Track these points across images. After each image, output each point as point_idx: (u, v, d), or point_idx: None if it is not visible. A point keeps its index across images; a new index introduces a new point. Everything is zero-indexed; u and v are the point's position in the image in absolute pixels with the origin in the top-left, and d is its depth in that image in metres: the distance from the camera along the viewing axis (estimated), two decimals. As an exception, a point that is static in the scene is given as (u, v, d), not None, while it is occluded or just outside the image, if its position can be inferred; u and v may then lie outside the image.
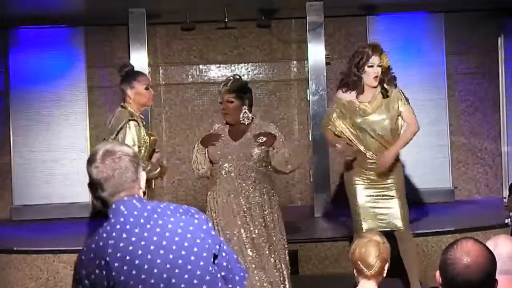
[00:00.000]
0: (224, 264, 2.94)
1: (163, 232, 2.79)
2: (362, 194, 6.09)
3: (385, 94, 6.00)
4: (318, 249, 7.45)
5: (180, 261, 2.77)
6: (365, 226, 5.99)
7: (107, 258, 2.71)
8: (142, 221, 2.79)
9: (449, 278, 2.72)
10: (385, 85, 6.00)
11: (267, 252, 5.66)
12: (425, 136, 8.98)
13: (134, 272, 2.72)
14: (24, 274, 7.24)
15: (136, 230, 2.77)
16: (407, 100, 6.07)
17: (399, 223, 6.03)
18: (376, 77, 5.95)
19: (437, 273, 2.80)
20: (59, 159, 9.21)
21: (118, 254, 2.72)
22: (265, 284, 5.62)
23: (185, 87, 9.65)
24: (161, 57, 9.62)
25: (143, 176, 2.93)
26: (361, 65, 5.96)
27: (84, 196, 8.73)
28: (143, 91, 5.71)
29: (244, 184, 5.73)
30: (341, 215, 8.53)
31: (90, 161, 2.85)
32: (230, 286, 2.94)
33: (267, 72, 9.67)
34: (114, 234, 2.76)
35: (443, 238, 7.20)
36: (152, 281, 2.73)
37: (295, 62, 9.65)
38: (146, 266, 2.73)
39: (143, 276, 2.72)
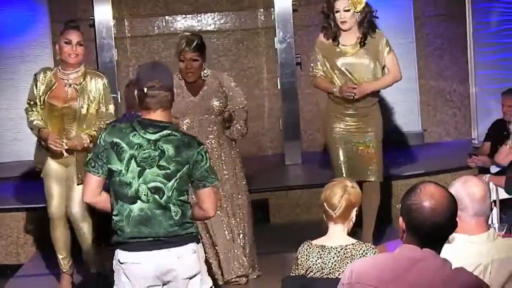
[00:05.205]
0: None
1: None
2: (342, 144, 6.09)
3: (362, 42, 5.99)
4: (289, 197, 7.48)
5: None
6: (344, 175, 5.98)
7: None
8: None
9: (416, 223, 2.74)
10: (364, 30, 6.00)
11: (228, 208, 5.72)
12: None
13: None
14: (-6, 232, 7.23)
15: None
16: (390, 47, 6.06)
17: (373, 175, 6.05)
18: (343, 22, 5.96)
19: (400, 219, 2.81)
20: (27, 116, 9.11)
21: None
22: (226, 233, 5.68)
23: (151, 39, 9.53)
24: (126, 9, 9.48)
25: None
26: (326, 11, 6.06)
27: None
28: (62, 45, 5.76)
29: (206, 139, 5.67)
30: (312, 162, 8.57)
31: None
32: None
33: (234, 21, 9.58)
34: None
35: (413, 181, 7.20)
36: None
37: (262, 10, 9.55)
38: None
39: None
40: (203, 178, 3.89)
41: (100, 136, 3.90)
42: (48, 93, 5.72)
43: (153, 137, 3.83)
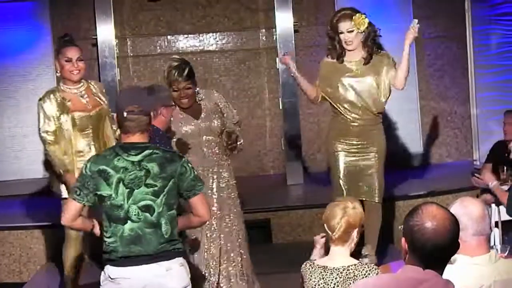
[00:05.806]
0: None
1: None
2: (344, 162, 6.08)
3: (366, 60, 6.02)
4: (291, 217, 7.47)
5: None
6: (344, 193, 5.97)
7: None
8: None
9: (419, 244, 2.74)
10: (368, 50, 6.04)
11: (228, 223, 5.70)
12: (395, 101, 9.01)
13: None
14: (-4, 251, 7.22)
15: None
16: (395, 63, 6.09)
17: (374, 196, 6.03)
18: (347, 43, 5.99)
19: (403, 240, 2.81)
20: (29, 134, 9.08)
21: None
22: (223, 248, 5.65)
23: (153, 59, 9.57)
24: (128, 28, 9.52)
25: None
26: (331, 34, 6.09)
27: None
28: (63, 64, 5.76)
29: (214, 160, 5.68)
30: (314, 182, 8.58)
31: None
32: None
33: (235, 41, 9.62)
34: None
35: (414, 202, 7.21)
36: None
37: (263, 30, 9.60)
38: None
39: None
40: (191, 188, 4.11)
41: (85, 166, 4.08)
42: (66, 111, 5.72)
43: (136, 158, 4.03)
